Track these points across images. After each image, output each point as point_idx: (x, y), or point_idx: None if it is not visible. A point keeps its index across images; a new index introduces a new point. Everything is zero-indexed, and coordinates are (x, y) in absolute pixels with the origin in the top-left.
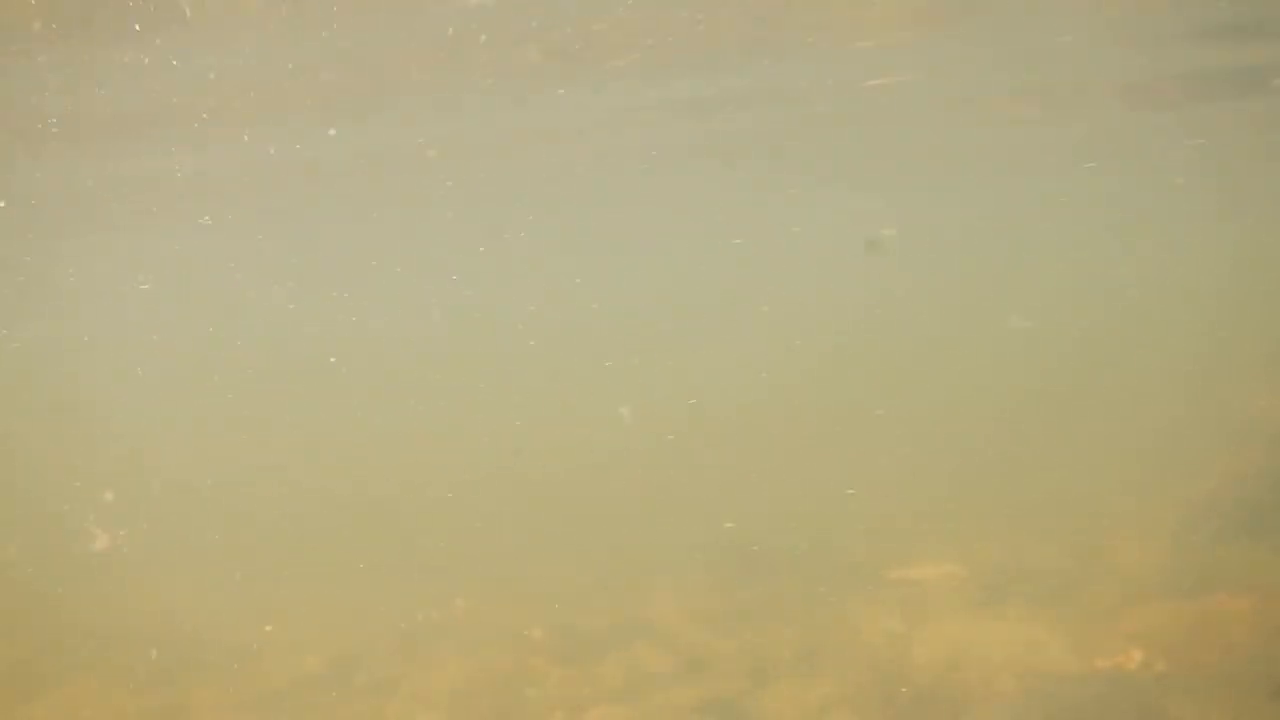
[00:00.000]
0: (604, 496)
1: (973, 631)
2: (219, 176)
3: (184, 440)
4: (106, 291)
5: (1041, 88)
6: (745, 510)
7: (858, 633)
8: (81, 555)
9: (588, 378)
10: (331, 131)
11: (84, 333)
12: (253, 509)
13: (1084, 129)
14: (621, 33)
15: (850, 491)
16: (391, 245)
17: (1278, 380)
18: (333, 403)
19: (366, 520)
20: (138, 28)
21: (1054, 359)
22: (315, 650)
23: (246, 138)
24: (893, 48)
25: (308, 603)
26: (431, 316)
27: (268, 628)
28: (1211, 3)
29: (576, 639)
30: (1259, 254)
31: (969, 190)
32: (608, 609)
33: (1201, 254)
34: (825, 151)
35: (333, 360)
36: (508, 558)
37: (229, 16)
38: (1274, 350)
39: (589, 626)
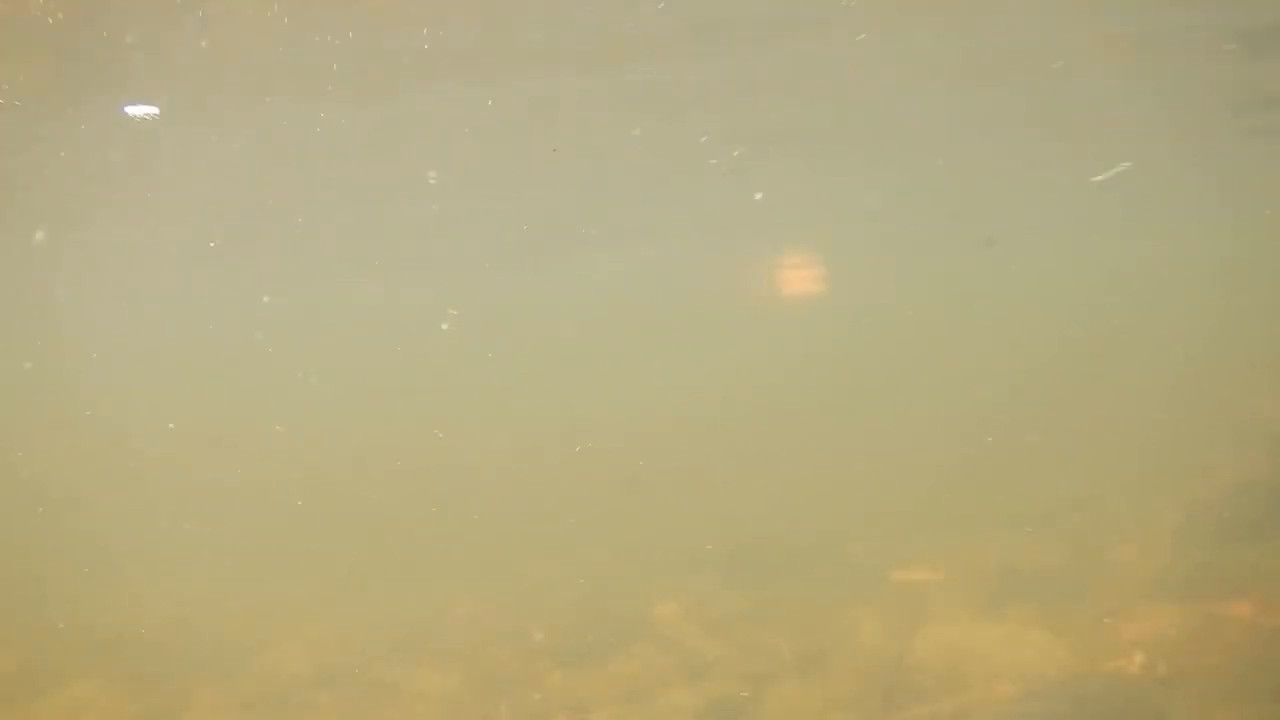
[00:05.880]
0: (607, 499)
1: (973, 634)
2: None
3: (185, 441)
4: (107, 284)
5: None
6: (747, 513)
7: (859, 635)
8: (83, 557)
9: (591, 379)
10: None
11: (85, 330)
12: (254, 510)
13: (1086, 128)
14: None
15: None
16: (395, 244)
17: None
18: (335, 403)
19: (369, 521)
20: None
21: (1056, 360)
22: (317, 651)
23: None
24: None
25: (309, 603)
26: (435, 318)
27: (269, 629)
28: None
29: (579, 641)
30: (1261, 255)
31: (970, 190)
32: (610, 611)
33: (1204, 255)
34: (832, 148)
35: (335, 363)
36: (510, 560)
37: None
38: (1276, 352)
39: (591, 629)
